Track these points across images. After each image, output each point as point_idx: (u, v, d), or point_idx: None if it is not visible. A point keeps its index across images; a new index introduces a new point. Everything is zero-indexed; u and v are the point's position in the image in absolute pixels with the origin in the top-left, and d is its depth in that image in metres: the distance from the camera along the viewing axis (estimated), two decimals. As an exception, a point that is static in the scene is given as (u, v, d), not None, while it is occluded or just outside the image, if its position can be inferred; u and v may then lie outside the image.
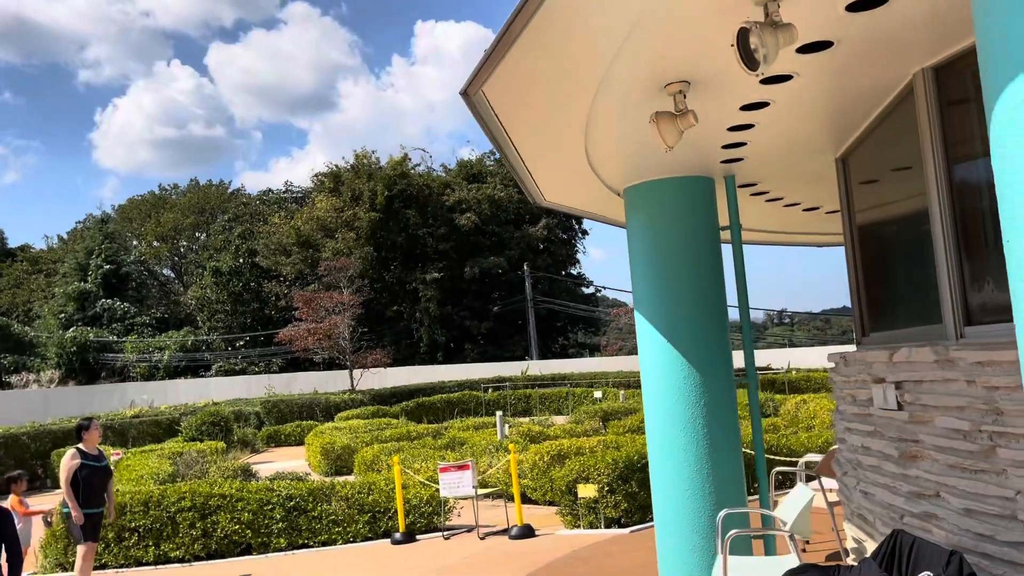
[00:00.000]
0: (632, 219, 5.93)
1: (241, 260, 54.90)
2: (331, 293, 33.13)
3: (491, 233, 49.96)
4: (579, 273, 55.45)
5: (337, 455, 17.68)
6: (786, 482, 10.72)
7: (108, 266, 56.67)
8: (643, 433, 16.53)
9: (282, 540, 10.11)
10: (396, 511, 10.15)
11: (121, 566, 9.83)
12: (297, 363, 49.77)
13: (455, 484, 9.65)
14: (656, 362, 5.74)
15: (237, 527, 10.09)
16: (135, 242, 70.06)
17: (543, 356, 46.75)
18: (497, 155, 54.36)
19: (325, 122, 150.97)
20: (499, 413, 14.81)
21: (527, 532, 9.14)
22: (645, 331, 5.83)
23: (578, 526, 9.16)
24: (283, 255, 50.48)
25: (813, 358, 38.20)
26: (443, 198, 50.06)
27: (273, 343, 52.57)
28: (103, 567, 9.74)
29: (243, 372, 49.38)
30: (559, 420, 21.81)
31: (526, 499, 10.58)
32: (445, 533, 9.87)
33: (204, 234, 71.17)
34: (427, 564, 8.33)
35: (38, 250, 74.28)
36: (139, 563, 9.90)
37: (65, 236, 73.75)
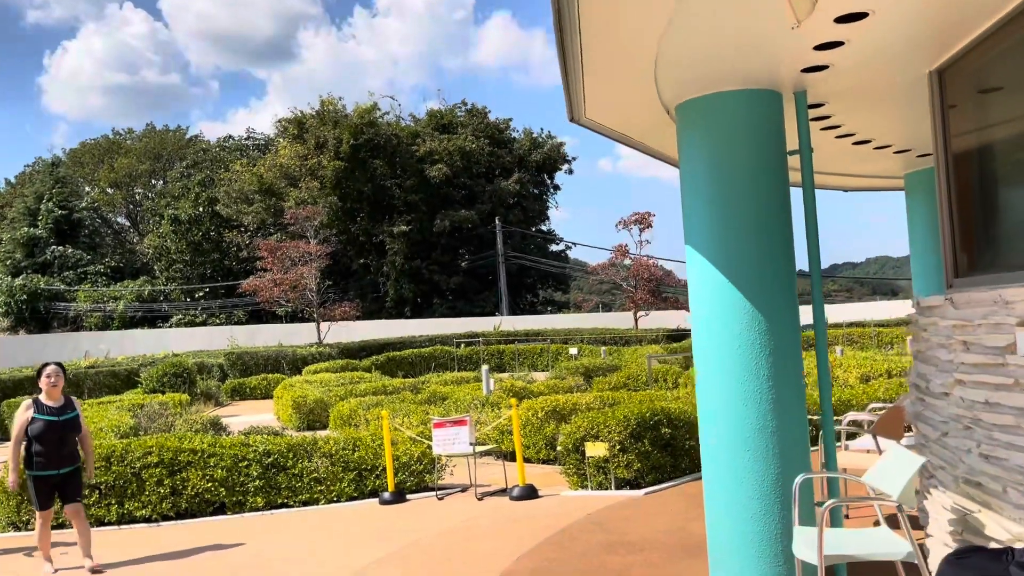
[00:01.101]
0: (688, 140, 5.12)
1: (201, 209, 52.99)
2: (297, 242, 31.86)
3: (462, 186, 48.78)
4: (549, 230, 54.67)
5: (310, 409, 16.84)
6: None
7: (59, 211, 54.29)
8: (635, 390, 15.97)
9: (259, 499, 9.32)
10: (384, 469, 9.41)
11: (81, 527, 8.95)
12: (260, 316, 48.47)
13: (450, 441, 8.92)
14: (713, 305, 4.99)
15: (210, 485, 9.26)
16: (88, 188, 67.30)
17: (513, 313, 46.08)
18: (469, 106, 53.05)
19: (285, 73, 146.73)
20: (485, 367, 14.07)
21: (530, 493, 8.47)
22: (700, 270, 5.08)
23: (585, 487, 8.50)
24: (245, 203, 48.75)
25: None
26: (412, 148, 48.62)
27: (235, 295, 51.11)
28: (61, 526, 8.86)
29: (203, 324, 47.91)
30: (539, 376, 21.20)
31: (509, 456, 9.91)
32: (439, 493, 9.16)
33: (161, 181, 68.64)
34: (424, 526, 7.61)
35: (-16, 194, 71.05)
36: (101, 523, 9.03)
37: (13, 180, 70.59)
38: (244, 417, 19.26)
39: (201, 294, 53.51)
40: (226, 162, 56.71)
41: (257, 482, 9.36)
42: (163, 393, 19.40)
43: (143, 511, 9.18)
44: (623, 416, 8.31)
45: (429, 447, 9.65)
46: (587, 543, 6.25)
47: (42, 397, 6.95)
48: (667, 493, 7.92)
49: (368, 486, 9.48)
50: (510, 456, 10.61)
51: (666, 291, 32.27)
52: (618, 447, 8.18)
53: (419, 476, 9.48)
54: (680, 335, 29.32)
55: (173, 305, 52.13)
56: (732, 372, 4.94)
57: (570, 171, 53.83)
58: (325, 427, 16.41)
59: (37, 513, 6.89)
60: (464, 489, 9.43)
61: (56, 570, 7.06)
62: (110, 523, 9.04)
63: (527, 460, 10.90)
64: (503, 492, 8.99)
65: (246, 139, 62.60)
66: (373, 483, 9.48)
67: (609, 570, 5.54)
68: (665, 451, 8.41)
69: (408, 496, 9.25)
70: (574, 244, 71.30)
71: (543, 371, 25.05)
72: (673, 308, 33.46)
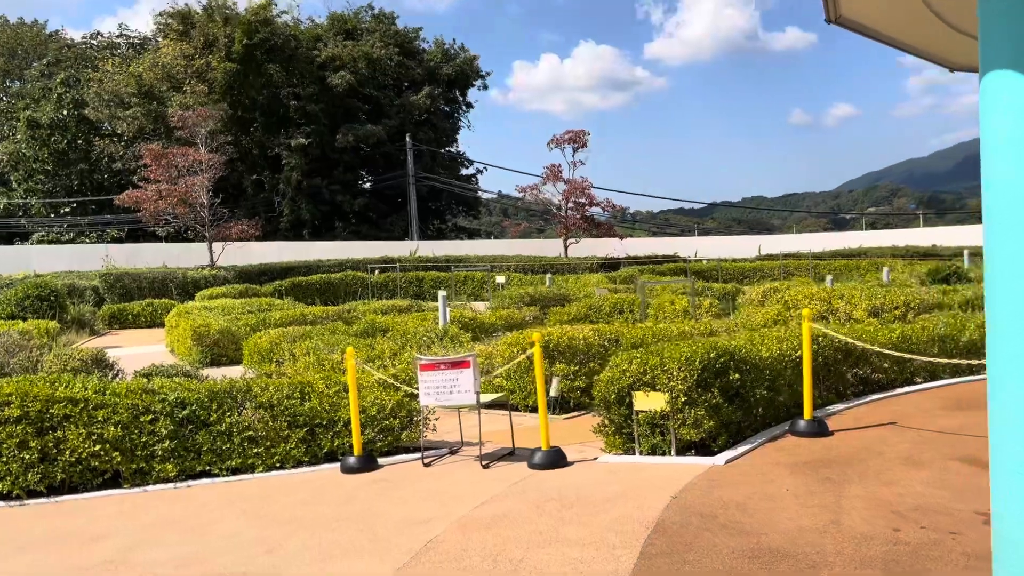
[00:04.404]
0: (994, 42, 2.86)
1: (65, 112, 46.64)
2: (186, 149, 27.79)
3: (368, 97, 44.78)
4: (460, 151, 51.53)
5: (214, 341, 14.00)
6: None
7: None
8: (595, 322, 13.99)
9: (169, 466, 6.75)
10: (344, 424, 7.00)
11: (-99, 513, 6.17)
12: (137, 235, 43.55)
13: (445, 388, 6.58)
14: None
15: (98, 448, 6.61)
16: (-73, 85, 58.51)
17: (422, 238, 43.22)
18: (375, 10, 48.40)
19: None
20: (442, 294, 11.67)
21: (556, 459, 6.30)
22: (1006, 186, 2.89)
23: (630, 450, 6.41)
24: (120, 107, 43.06)
25: (705, 249, 37.16)
26: (313, 53, 44.05)
27: (108, 212, 45.67)
28: None
29: (71, 243, 42.54)
30: (478, 306, 18.94)
31: (502, 406, 7.71)
32: (425, 457, 6.85)
33: (17, 81, 60.47)
34: (422, 511, 5.34)
35: None
36: (-67, 506, 6.28)
37: None
38: (129, 350, 16.12)
39: (67, 210, 47.61)
40: (94, 61, 50.03)
41: (167, 443, 6.77)
42: (24, 319, 15.94)
43: (-1, 486, 6.47)
44: (686, 357, 6.20)
45: (407, 395, 7.28)
46: (717, 552, 4.16)
47: None
48: (754, 460, 5.92)
49: (324, 447, 7.06)
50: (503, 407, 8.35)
51: (599, 216, 30.37)
52: (683, 398, 6.08)
53: (393, 433, 7.12)
54: (614, 263, 27.65)
55: (35, 221, 46.10)
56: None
57: (484, 87, 50.65)
58: (235, 363, 13.65)
59: None
60: (453, 450, 7.17)
61: None
62: (-53, 507, 6.30)
63: (513, 408, 8.68)
64: (510, 455, 6.80)
65: (118, 36, 55.51)
66: (329, 443, 7.06)
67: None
68: (733, 403, 6.39)
69: (380, 460, 6.90)
70: (487, 166, 68.26)
71: (479, 301, 22.79)
72: (606, 236, 31.62)
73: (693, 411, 6.07)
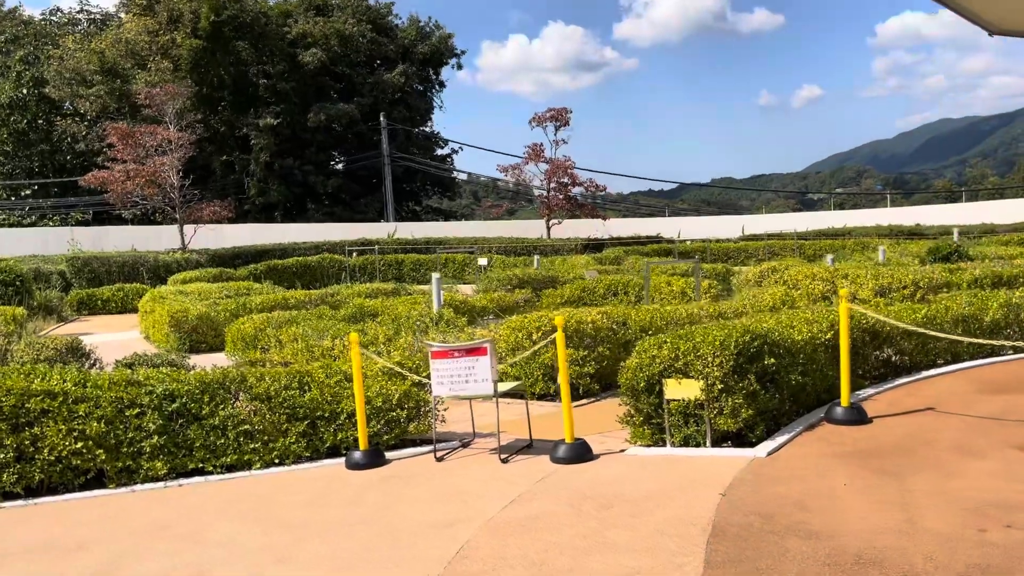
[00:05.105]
0: None
1: (25, 91, 44.94)
2: (154, 127, 26.74)
3: (340, 76, 43.67)
4: (434, 131, 50.55)
5: (192, 327, 13.35)
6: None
7: None
8: (590, 304, 13.59)
9: (159, 464, 6.21)
10: (347, 416, 6.51)
11: None
12: (102, 219, 42.22)
13: (459, 377, 6.10)
14: None
15: (79, 445, 6.04)
16: None
17: (398, 220, 42.41)
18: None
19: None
20: (435, 276, 11.13)
21: (581, 452, 5.87)
22: None
23: (660, 442, 5.99)
24: (82, 85, 41.53)
25: (687, 229, 36.87)
26: (284, 30, 42.81)
27: (71, 194, 44.23)
28: None
29: (33, 225, 41.08)
30: (464, 289, 18.43)
31: (513, 395, 7.24)
32: (437, 451, 6.38)
33: (-28, 59, 58.18)
34: (440, 514, 4.89)
35: None
36: None
37: None
38: (102, 336, 15.40)
39: (28, 192, 46.04)
40: (55, 38, 48.22)
41: (155, 439, 6.23)
42: (-11, 306, 15.12)
43: (-31, 489, 5.88)
44: (720, 341, 5.79)
45: (415, 384, 6.79)
46: (791, 559, 3.75)
47: None
48: (797, 451, 5.54)
49: (326, 441, 6.55)
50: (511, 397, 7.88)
51: (584, 197, 29.71)
52: (719, 386, 5.67)
53: (400, 426, 6.64)
54: (598, 244, 27.20)
55: (-7, 204, 44.56)
56: None
57: (459, 66, 49.67)
58: (214, 350, 13.05)
59: None
60: (464, 442, 6.70)
61: None
62: (-89, 514, 5.70)
63: (519, 396, 8.22)
64: (528, 448, 6.35)
65: (79, 11, 53.57)
66: (332, 437, 6.56)
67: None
68: (768, 390, 6.00)
69: (387, 455, 6.42)
70: (463, 146, 67.20)
71: (464, 283, 22.25)
72: (590, 217, 31.02)
73: (730, 399, 5.67)
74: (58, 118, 44.68)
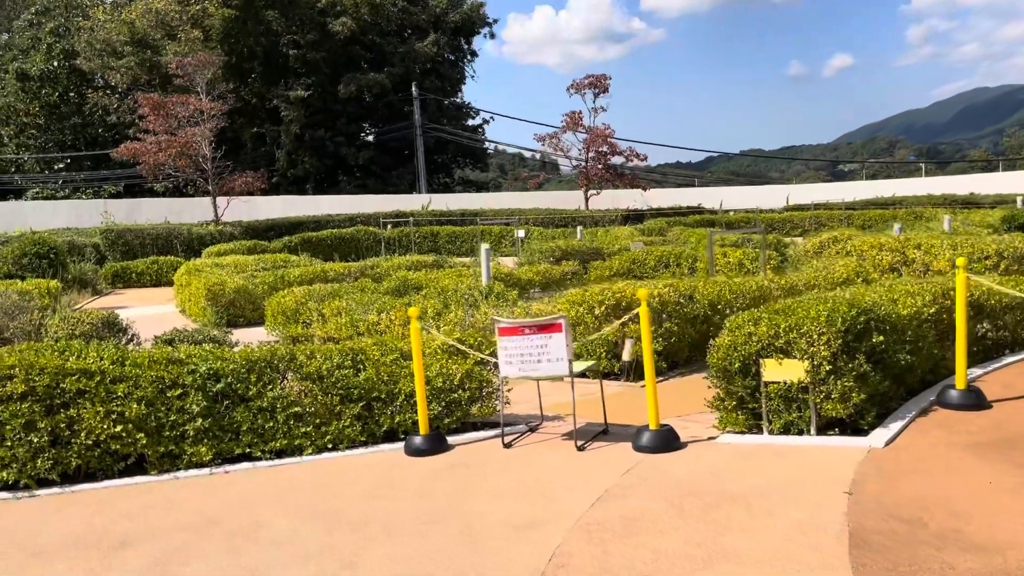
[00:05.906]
0: None
1: (56, 63, 44.79)
2: (186, 97, 26.31)
3: (370, 45, 42.91)
4: (465, 101, 49.69)
5: (230, 300, 12.92)
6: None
7: None
8: (640, 277, 12.95)
9: (203, 449, 5.74)
10: (406, 397, 5.98)
11: None
12: (134, 191, 42.15)
13: (531, 356, 5.53)
14: None
15: (119, 428, 5.58)
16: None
17: (430, 192, 41.81)
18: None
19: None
20: (484, 246, 10.54)
21: (670, 439, 5.29)
22: None
23: (756, 429, 5.39)
24: (112, 56, 41.25)
25: (728, 199, 35.83)
26: (313, -1, 42.07)
27: (103, 167, 44.18)
28: None
29: (67, 198, 41.10)
30: (505, 261, 17.84)
31: (582, 375, 6.68)
32: (505, 436, 5.83)
33: (5, 33, 58.29)
34: (527, 509, 4.36)
35: None
36: (-74, 502, 5.27)
37: None
38: (137, 310, 15.07)
39: (61, 165, 46.06)
40: (85, 9, 47.94)
41: (199, 422, 5.75)
42: (23, 279, 14.83)
43: (3, 473, 5.45)
44: (826, 317, 5.14)
45: (478, 363, 6.24)
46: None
47: None
48: (917, 440, 4.90)
49: (383, 424, 6.03)
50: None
51: (624, 168, 28.80)
52: (826, 367, 5.04)
53: (461, 408, 6.10)
54: (639, 215, 26.43)
55: (27, 177, 44.62)
56: None
57: (491, 35, 48.68)
58: (252, 324, 12.62)
59: None
60: (531, 427, 6.15)
61: None
62: (-58, 503, 5.29)
63: (582, 376, 7.63)
64: (603, 433, 5.79)
65: (108, -18, 53.06)
66: (389, 420, 6.04)
67: None
68: (877, 371, 5.35)
69: (449, 440, 5.89)
70: (495, 116, 66.21)
71: (503, 256, 21.66)
72: (629, 187, 30.16)
73: (839, 382, 5.03)
74: (89, 90, 44.52)
